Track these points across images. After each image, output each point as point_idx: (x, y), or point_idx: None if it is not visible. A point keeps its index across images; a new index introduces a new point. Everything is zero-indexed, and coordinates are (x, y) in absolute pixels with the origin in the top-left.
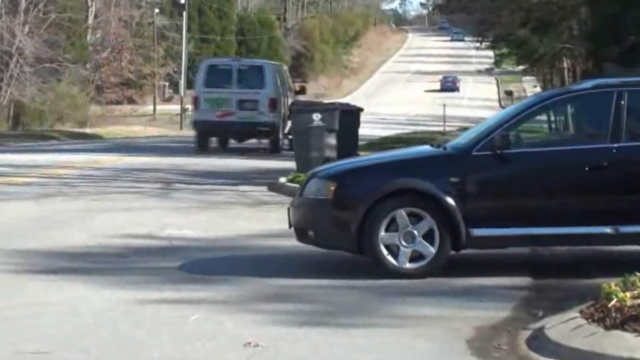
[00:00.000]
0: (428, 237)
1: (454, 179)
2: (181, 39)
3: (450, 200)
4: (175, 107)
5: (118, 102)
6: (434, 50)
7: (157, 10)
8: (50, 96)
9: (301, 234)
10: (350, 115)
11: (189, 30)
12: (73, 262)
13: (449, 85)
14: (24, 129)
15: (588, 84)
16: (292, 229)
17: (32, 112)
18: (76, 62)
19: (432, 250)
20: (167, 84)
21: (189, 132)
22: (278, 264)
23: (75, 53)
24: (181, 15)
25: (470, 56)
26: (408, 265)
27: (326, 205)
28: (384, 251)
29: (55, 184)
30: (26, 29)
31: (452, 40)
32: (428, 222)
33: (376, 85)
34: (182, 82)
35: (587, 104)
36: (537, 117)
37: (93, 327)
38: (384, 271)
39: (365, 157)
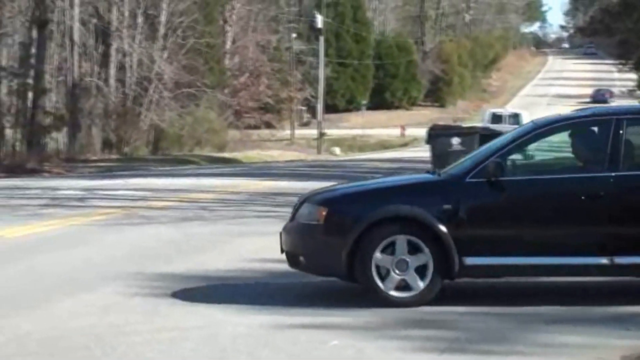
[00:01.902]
0: (420, 269)
1: (446, 206)
2: (318, 63)
3: (442, 228)
4: (312, 132)
5: (256, 127)
6: (574, 73)
7: (294, 35)
8: (189, 121)
9: (292, 260)
10: (490, 139)
11: (326, 54)
12: (211, 286)
13: (600, 97)
14: (163, 154)
15: (585, 111)
16: (284, 254)
17: (171, 137)
18: (214, 87)
19: (421, 284)
20: (304, 108)
21: (327, 157)
22: None
23: (213, 78)
24: (318, 39)
25: (613, 79)
26: (394, 292)
27: (317, 230)
28: (378, 281)
29: (194, 208)
30: (165, 55)
31: (585, 55)
32: (423, 254)
33: (516, 109)
34: (320, 107)
35: (584, 131)
36: (532, 144)
37: (232, 353)
38: (378, 300)
39: (358, 183)
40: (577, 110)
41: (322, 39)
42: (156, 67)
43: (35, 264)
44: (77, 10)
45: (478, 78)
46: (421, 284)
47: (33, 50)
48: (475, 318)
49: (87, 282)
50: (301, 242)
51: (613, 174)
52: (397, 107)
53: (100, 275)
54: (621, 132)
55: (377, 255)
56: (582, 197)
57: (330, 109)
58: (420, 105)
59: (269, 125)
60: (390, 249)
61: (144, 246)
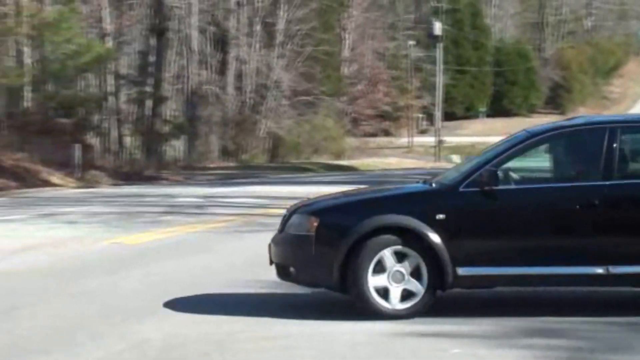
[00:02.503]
0: (415, 275)
1: (440, 216)
2: (436, 70)
3: (436, 238)
4: (430, 139)
5: (373, 135)
6: None
7: (412, 42)
8: (306, 128)
9: (282, 271)
10: None
11: (444, 61)
12: (331, 293)
13: None
14: (280, 161)
15: (579, 120)
16: (273, 265)
17: (289, 144)
18: (331, 95)
19: (422, 288)
20: (422, 115)
21: (445, 164)
22: (539, 299)
23: (330, 85)
24: (436, 47)
25: None
26: (400, 305)
27: (309, 241)
28: (374, 293)
29: None
30: (282, 62)
31: None
32: (415, 259)
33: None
34: (438, 114)
35: (578, 140)
36: (526, 153)
37: None
38: (371, 313)
39: (350, 193)
40: (571, 118)
41: (440, 46)
42: (274, 74)
43: (155, 271)
44: (195, 18)
45: (599, 85)
46: (422, 288)
47: (152, 59)
48: (598, 327)
49: (205, 289)
50: (291, 254)
51: (607, 182)
52: (516, 114)
53: (219, 282)
54: (615, 140)
55: (371, 268)
56: (577, 206)
57: (448, 116)
58: (539, 112)
59: (386, 133)
60: (384, 260)
61: (263, 254)
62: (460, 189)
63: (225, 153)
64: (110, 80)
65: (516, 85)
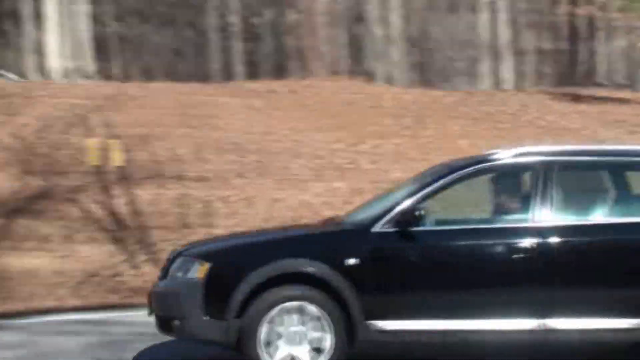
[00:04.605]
0: (320, 330)
1: (350, 261)
2: None
3: (345, 287)
4: None
5: None
6: None
7: None
8: None
9: (163, 323)
10: None
11: None
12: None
13: None
14: None
15: (508, 152)
16: (153, 316)
17: None
18: None
19: (328, 346)
20: None
21: None
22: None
23: None
24: None
25: None
26: None
27: (196, 289)
28: (265, 355)
29: None
30: None
31: None
32: (319, 312)
33: None
34: None
35: (506, 175)
36: (449, 189)
37: None
38: None
39: (248, 233)
40: (502, 150)
41: None
42: None
43: None
44: None
45: None
46: (328, 346)
47: None
48: None
49: None
50: (175, 304)
51: (541, 224)
52: None
53: None
54: (547, 174)
55: (266, 322)
56: (507, 251)
57: None
58: None
59: None
60: (283, 314)
61: None
62: (375, 230)
63: None
64: None
65: None
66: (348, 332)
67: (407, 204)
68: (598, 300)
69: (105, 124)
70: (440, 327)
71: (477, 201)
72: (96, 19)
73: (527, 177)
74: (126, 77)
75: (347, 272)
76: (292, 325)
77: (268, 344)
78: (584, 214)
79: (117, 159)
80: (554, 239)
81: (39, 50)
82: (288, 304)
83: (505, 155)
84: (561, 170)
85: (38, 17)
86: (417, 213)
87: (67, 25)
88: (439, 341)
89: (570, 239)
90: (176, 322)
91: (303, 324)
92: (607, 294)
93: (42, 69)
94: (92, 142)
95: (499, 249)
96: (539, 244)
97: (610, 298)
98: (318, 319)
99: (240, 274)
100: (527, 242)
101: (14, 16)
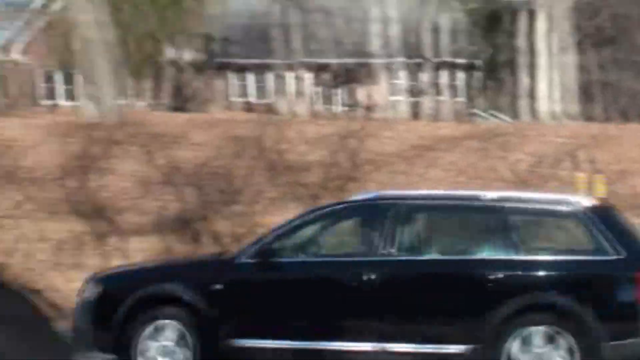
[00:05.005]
0: (184, 346)
1: (217, 287)
2: None
3: (207, 308)
4: None
5: None
6: None
7: None
8: None
9: (75, 338)
10: None
11: None
12: None
13: None
14: None
15: (367, 195)
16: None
17: None
18: None
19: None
20: None
21: None
22: None
23: None
24: None
25: None
26: None
27: (89, 308)
28: None
29: None
30: None
31: None
32: (183, 329)
33: None
34: None
35: (362, 215)
36: (310, 227)
37: None
38: None
39: (149, 261)
40: (362, 192)
41: None
42: None
43: None
44: None
45: None
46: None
47: None
48: None
49: None
50: (77, 320)
51: (385, 258)
52: None
53: None
54: (399, 215)
55: (142, 339)
56: (351, 281)
57: None
58: None
59: None
60: (156, 333)
61: None
62: (239, 260)
63: None
64: None
65: None
66: (210, 349)
67: (268, 238)
68: (429, 328)
69: (590, 159)
70: (291, 346)
71: (333, 238)
72: (581, 68)
73: (379, 216)
74: (606, 119)
75: (213, 296)
76: (166, 340)
77: (143, 355)
78: (421, 251)
79: (600, 191)
80: (392, 272)
81: (531, 95)
82: (160, 322)
83: (363, 198)
84: (405, 213)
85: (531, 67)
86: (272, 246)
87: (556, 74)
88: (290, 359)
89: (406, 272)
90: (73, 336)
91: (172, 340)
92: (436, 322)
93: (532, 112)
94: (580, 177)
95: (344, 278)
96: (378, 276)
97: (440, 326)
98: (183, 336)
99: (120, 297)
100: (368, 274)
101: (510, 66)
